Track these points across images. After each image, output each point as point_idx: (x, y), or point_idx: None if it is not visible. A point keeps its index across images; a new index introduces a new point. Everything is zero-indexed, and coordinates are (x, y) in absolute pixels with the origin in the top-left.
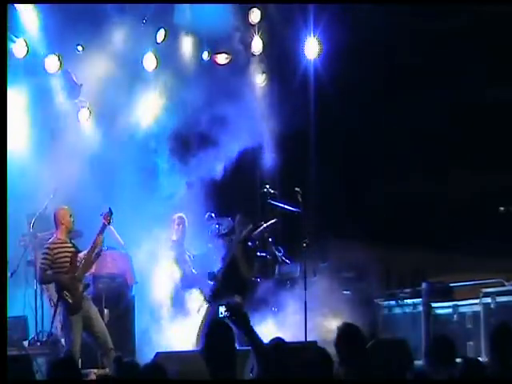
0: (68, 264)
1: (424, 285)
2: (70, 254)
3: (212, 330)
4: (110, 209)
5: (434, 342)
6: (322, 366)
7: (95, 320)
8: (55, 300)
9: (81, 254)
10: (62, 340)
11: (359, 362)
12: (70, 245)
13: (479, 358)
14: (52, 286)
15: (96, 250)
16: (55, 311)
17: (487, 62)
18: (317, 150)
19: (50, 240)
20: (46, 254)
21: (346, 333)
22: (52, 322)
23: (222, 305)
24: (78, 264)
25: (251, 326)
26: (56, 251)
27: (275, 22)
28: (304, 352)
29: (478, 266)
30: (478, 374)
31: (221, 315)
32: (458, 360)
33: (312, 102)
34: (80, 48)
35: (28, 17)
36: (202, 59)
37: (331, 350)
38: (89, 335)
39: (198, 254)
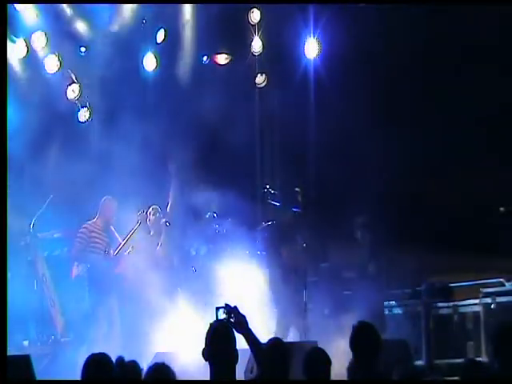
0: (101, 252)
1: (424, 285)
2: (104, 243)
3: (212, 331)
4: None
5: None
6: (322, 366)
7: None
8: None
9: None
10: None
11: (374, 360)
12: (105, 234)
13: (480, 359)
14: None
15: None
16: None
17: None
18: (317, 149)
19: (89, 222)
20: (82, 232)
21: (362, 331)
22: None
23: (220, 307)
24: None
25: (250, 328)
26: (93, 234)
27: (275, 22)
28: (304, 352)
29: (478, 266)
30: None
31: (220, 317)
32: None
33: (312, 102)
34: (83, 49)
35: (28, 17)
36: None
37: (331, 350)
38: None
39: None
